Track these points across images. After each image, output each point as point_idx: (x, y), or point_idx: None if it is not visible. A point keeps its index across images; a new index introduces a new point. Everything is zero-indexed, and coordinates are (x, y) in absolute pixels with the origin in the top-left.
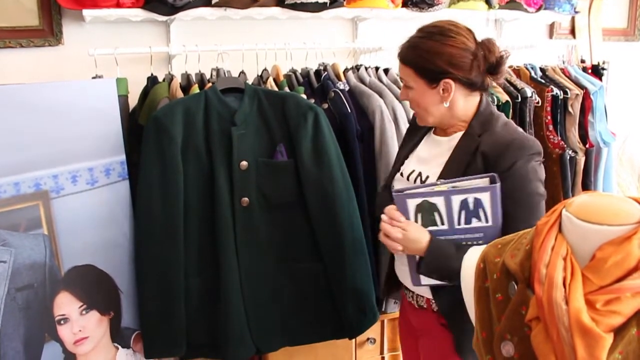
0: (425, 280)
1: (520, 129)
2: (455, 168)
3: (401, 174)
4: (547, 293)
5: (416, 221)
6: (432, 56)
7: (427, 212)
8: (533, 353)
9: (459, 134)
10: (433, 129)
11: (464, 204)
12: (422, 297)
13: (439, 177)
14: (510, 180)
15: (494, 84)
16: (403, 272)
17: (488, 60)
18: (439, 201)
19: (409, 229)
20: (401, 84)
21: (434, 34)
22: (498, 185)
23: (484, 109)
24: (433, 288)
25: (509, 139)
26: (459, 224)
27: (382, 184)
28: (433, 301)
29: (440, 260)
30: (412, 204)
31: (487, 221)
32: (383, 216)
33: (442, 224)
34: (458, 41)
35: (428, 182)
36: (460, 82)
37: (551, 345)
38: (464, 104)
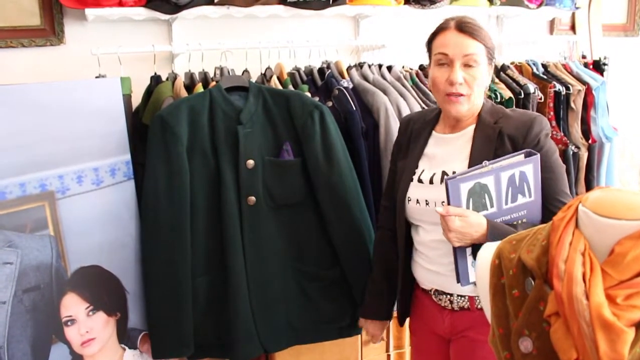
0: (473, 276)
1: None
2: (483, 155)
3: (419, 181)
4: (566, 288)
5: (467, 208)
6: (491, 39)
7: (477, 196)
8: (552, 348)
9: (469, 128)
10: (433, 130)
11: (511, 181)
12: (464, 297)
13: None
14: (541, 155)
15: (497, 80)
16: (434, 275)
17: None
18: (490, 181)
19: (468, 214)
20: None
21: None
22: (538, 155)
23: (486, 101)
24: None
25: (528, 117)
26: (506, 203)
27: (385, 201)
28: (478, 298)
29: (502, 237)
30: (465, 188)
31: (530, 196)
32: (438, 208)
33: (492, 206)
34: None
35: None
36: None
37: (572, 341)
38: None
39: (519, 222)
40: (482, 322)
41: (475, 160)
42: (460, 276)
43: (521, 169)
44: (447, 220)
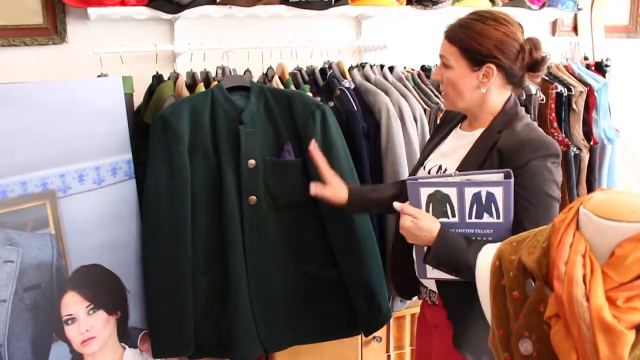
0: (430, 273)
1: (541, 130)
2: (472, 162)
3: (424, 168)
4: (567, 290)
5: (427, 211)
6: (482, 38)
7: (438, 203)
8: (552, 350)
9: (479, 131)
10: (460, 124)
11: (476, 198)
12: (435, 292)
13: (456, 170)
14: (523, 178)
15: None
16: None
17: (532, 56)
18: (452, 192)
19: (420, 217)
20: (438, 64)
21: (487, 18)
22: (512, 180)
23: (511, 107)
24: (439, 281)
25: (527, 137)
26: (469, 217)
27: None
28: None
29: (449, 250)
30: (424, 193)
31: (498, 217)
32: (395, 203)
33: (453, 216)
34: (509, 29)
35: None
36: (502, 71)
37: (572, 343)
38: (496, 96)
39: (484, 239)
40: (445, 327)
41: (464, 164)
42: (419, 269)
43: (489, 189)
44: (401, 217)
